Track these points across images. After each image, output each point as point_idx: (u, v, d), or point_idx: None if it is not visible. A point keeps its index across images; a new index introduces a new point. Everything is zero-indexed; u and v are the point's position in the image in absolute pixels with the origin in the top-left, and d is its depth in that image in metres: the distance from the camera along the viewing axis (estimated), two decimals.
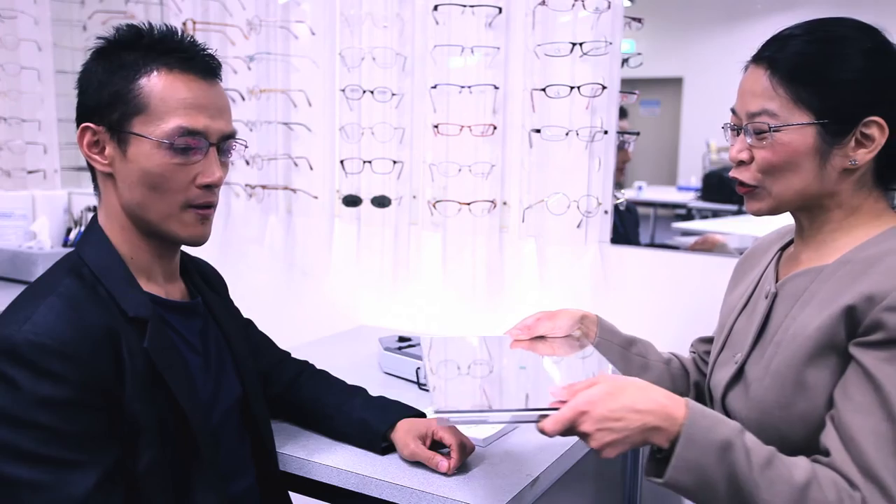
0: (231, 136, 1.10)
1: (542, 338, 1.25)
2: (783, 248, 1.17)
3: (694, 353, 1.38)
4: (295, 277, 2.35)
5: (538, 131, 1.86)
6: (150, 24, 1.08)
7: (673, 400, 0.94)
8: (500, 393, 1.02)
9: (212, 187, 1.08)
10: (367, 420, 1.28)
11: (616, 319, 1.87)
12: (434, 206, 2.01)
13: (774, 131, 1.00)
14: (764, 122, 1.00)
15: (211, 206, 1.10)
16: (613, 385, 0.94)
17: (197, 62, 1.07)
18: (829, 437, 0.93)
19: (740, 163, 1.05)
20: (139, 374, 0.99)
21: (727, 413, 1.13)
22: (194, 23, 2.26)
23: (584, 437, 0.93)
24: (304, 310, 2.32)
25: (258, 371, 1.31)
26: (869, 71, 0.98)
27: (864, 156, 0.99)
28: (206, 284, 1.25)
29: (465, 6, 1.90)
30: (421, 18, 2.01)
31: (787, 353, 1.01)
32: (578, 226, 1.87)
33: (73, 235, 2.75)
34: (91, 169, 1.09)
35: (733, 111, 1.07)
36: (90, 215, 2.40)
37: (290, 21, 2.20)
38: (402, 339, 1.94)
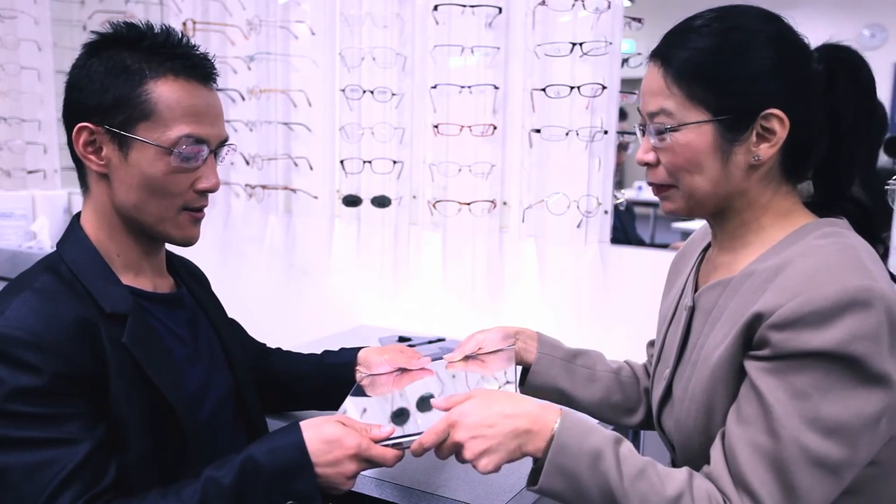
0: (226, 141, 1.12)
1: (478, 358, 1.23)
2: (705, 250, 1.12)
3: (649, 356, 1.32)
4: (295, 277, 2.35)
5: (538, 131, 1.86)
6: (148, 23, 1.08)
7: (545, 407, 0.94)
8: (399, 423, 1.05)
9: (208, 192, 1.09)
10: (336, 362, 1.36)
11: (616, 319, 1.88)
12: (434, 206, 2.01)
13: (672, 131, 0.95)
14: (662, 122, 0.96)
15: (204, 208, 1.11)
16: (487, 397, 0.96)
17: (199, 69, 1.08)
18: (714, 447, 0.92)
19: (650, 164, 1.01)
20: (122, 367, 0.99)
21: (662, 432, 1.10)
22: (194, 23, 2.26)
23: (459, 448, 0.93)
24: (304, 310, 2.32)
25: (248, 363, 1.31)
26: (762, 65, 0.93)
27: (766, 150, 0.94)
28: (192, 278, 1.26)
29: (465, 6, 1.90)
30: (421, 18, 2.01)
31: (701, 376, 0.97)
32: (578, 226, 1.87)
33: None
34: (79, 166, 1.10)
35: (639, 111, 1.02)
36: None
37: (290, 21, 2.20)
38: (402, 338, 1.95)
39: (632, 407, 1.27)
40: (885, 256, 1.01)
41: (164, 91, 1.03)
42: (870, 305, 0.83)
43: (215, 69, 1.11)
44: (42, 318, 0.95)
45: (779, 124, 0.93)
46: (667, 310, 1.15)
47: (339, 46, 2.12)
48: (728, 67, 0.93)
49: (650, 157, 1.00)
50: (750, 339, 0.91)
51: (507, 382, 1.11)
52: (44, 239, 2.65)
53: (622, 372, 1.29)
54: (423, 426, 1.03)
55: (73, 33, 2.77)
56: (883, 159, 1.59)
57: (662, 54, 0.97)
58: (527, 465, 1.25)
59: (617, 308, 1.88)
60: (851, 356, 0.83)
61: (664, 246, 1.99)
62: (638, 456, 0.92)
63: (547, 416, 0.93)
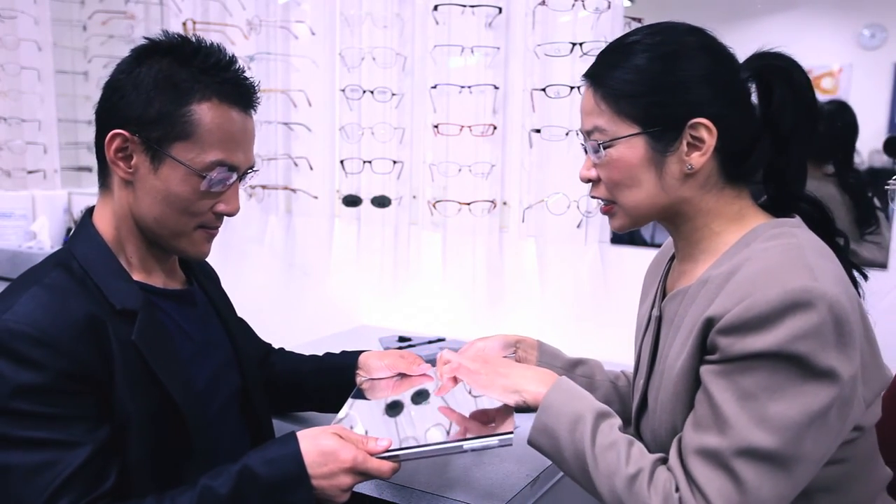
0: (252, 166, 1.12)
1: None
2: (673, 258, 1.14)
3: None
4: (295, 277, 2.35)
5: (538, 131, 1.86)
6: (200, 39, 1.08)
7: (549, 373, 1.05)
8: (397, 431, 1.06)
9: (226, 215, 1.10)
10: (336, 365, 1.36)
11: (616, 319, 1.87)
12: (434, 206, 2.01)
13: (605, 147, 0.99)
14: (597, 138, 0.99)
15: (219, 227, 1.12)
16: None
17: (245, 98, 1.08)
18: (672, 444, 0.94)
19: (592, 181, 1.04)
20: (130, 365, 0.99)
21: (642, 441, 1.10)
22: (194, 23, 2.26)
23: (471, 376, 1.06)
24: (304, 310, 2.32)
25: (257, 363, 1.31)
26: (686, 76, 0.96)
27: (698, 159, 0.96)
28: (204, 275, 1.26)
29: (465, 6, 1.90)
30: (421, 18, 2.01)
31: (667, 386, 0.99)
32: (578, 226, 1.87)
33: None
34: (102, 166, 1.09)
35: (579, 132, 1.06)
36: None
37: (290, 21, 2.20)
38: (402, 338, 1.95)
39: (629, 416, 1.27)
40: (844, 249, 1.03)
41: (207, 115, 1.03)
42: (811, 306, 0.85)
43: (258, 97, 1.11)
44: (49, 315, 0.95)
45: (706, 132, 0.95)
46: (641, 319, 1.17)
47: (339, 46, 2.12)
48: (653, 81, 0.96)
49: (591, 173, 1.04)
50: (704, 345, 0.93)
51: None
52: (44, 239, 2.65)
53: (620, 381, 1.30)
54: (417, 421, 1.03)
55: (73, 33, 2.76)
56: (883, 159, 1.59)
57: (591, 74, 1.01)
58: (527, 465, 1.25)
59: (617, 308, 1.88)
60: (794, 354, 0.85)
61: None
62: (618, 432, 0.95)
63: (552, 374, 1.04)
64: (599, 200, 1.06)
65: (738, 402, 0.87)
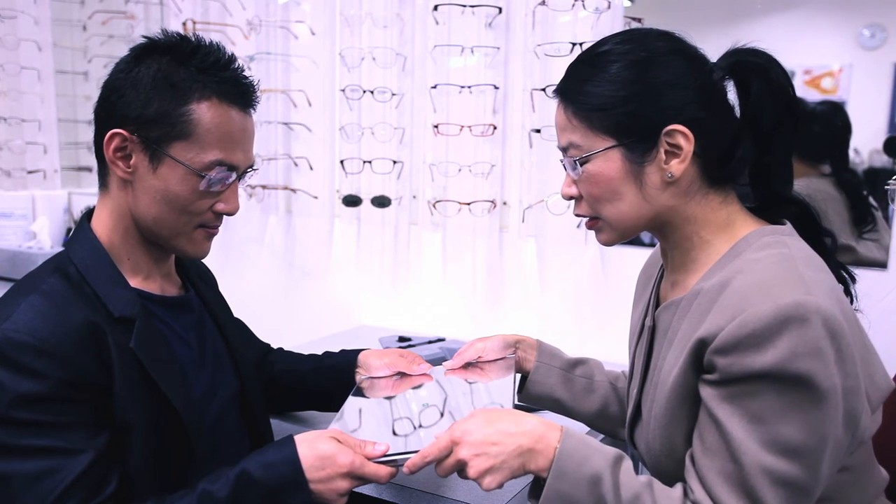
0: (252, 165, 1.12)
1: (477, 366, 1.24)
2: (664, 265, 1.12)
3: None
4: (295, 277, 2.35)
5: (538, 131, 1.86)
6: (199, 38, 1.08)
7: (547, 425, 0.93)
8: (394, 436, 1.05)
9: (226, 214, 1.10)
10: (336, 364, 1.35)
11: (616, 319, 1.87)
12: (434, 206, 2.01)
13: (582, 163, 0.97)
14: (573, 154, 0.98)
15: (218, 226, 1.12)
16: (489, 414, 0.95)
17: (245, 96, 1.08)
18: (689, 473, 0.91)
19: (574, 198, 1.02)
20: (128, 372, 0.99)
21: (635, 449, 1.09)
22: (194, 23, 2.26)
23: (463, 466, 0.93)
24: (304, 310, 2.32)
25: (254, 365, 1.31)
26: (657, 82, 0.93)
27: (677, 166, 0.94)
28: (200, 279, 1.26)
29: (465, 6, 1.90)
30: (421, 18, 2.01)
31: (660, 399, 0.97)
32: (578, 226, 1.86)
33: None
34: (101, 166, 1.09)
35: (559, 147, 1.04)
36: None
37: (290, 21, 2.20)
38: (402, 338, 1.95)
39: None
40: (832, 251, 1.01)
41: (207, 114, 1.03)
42: (805, 320, 0.83)
43: (258, 97, 1.11)
44: (49, 323, 0.95)
45: (683, 139, 0.93)
46: (634, 326, 1.15)
47: (339, 46, 2.12)
48: (624, 91, 0.94)
49: (573, 190, 1.02)
50: (699, 364, 0.91)
51: (504, 392, 1.11)
52: (44, 239, 2.65)
53: (619, 382, 1.28)
54: (416, 423, 1.04)
55: (73, 33, 2.77)
56: (883, 159, 1.59)
57: (561, 90, 1.00)
58: None
59: (617, 308, 1.87)
60: (797, 374, 0.83)
61: None
62: (635, 478, 0.91)
63: (550, 435, 0.92)
64: (584, 217, 1.03)
65: (748, 426, 0.85)
